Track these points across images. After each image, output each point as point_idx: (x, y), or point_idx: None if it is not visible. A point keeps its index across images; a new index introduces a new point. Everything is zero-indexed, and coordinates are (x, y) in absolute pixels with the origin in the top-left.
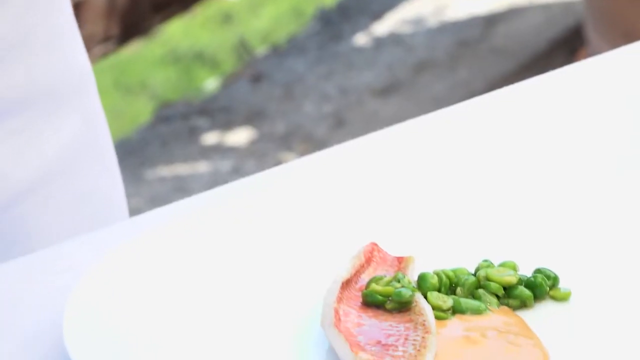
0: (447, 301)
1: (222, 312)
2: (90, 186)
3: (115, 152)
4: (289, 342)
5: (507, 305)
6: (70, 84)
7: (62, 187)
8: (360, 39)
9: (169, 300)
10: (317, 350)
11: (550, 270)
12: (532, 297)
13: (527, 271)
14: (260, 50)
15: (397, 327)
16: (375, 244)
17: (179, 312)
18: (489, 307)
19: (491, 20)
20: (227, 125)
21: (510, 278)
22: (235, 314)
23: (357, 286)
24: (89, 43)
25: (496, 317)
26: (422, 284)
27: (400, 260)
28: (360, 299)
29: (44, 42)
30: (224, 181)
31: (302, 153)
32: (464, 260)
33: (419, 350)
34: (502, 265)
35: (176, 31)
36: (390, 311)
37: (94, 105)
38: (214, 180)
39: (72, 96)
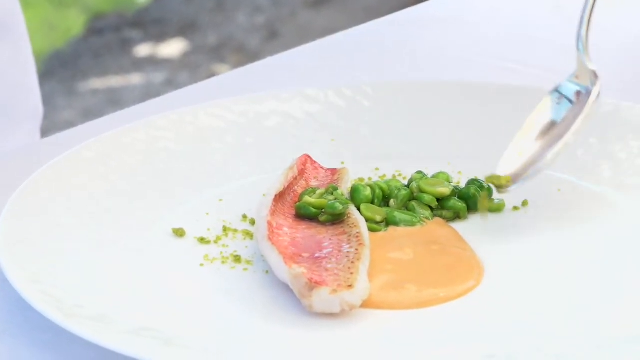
0: (380, 213)
1: (154, 223)
2: (3, 72)
3: (48, 65)
4: (225, 254)
5: (441, 216)
6: None
7: None
8: None
9: (104, 213)
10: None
11: (483, 182)
12: (466, 209)
13: (460, 182)
14: None
15: (330, 239)
16: (309, 156)
17: (114, 225)
18: (422, 218)
19: None
20: (160, 37)
21: (443, 189)
22: (169, 226)
23: (290, 199)
24: None
25: (430, 228)
26: (355, 196)
27: (333, 172)
28: (294, 212)
29: None
30: (157, 93)
31: (235, 65)
32: (397, 172)
33: (352, 262)
34: (435, 176)
35: None
36: (323, 223)
37: None
38: (147, 92)
39: None
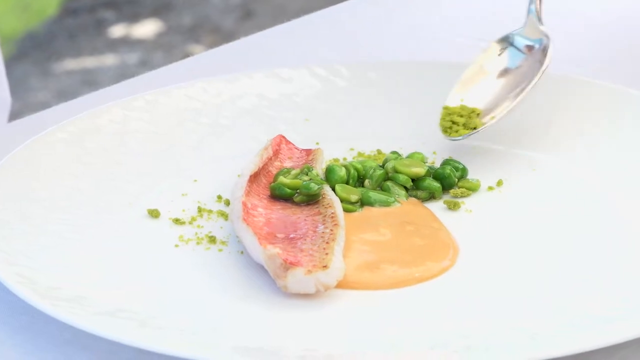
0: (355, 193)
1: (129, 204)
2: None
3: (22, 46)
4: (200, 235)
5: (416, 196)
6: None
7: None
8: None
9: (79, 195)
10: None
11: (458, 162)
12: (441, 189)
13: (435, 162)
14: None
15: (305, 220)
16: (283, 137)
17: (89, 206)
18: (397, 199)
19: None
20: (134, 17)
21: (418, 170)
22: (143, 207)
23: (265, 179)
24: None
25: (405, 208)
26: (330, 176)
27: (308, 152)
28: (268, 192)
29: None
30: (132, 74)
31: (210, 45)
32: (372, 152)
33: (327, 242)
34: (410, 156)
35: None
36: (298, 204)
37: None
38: (122, 73)
39: None
